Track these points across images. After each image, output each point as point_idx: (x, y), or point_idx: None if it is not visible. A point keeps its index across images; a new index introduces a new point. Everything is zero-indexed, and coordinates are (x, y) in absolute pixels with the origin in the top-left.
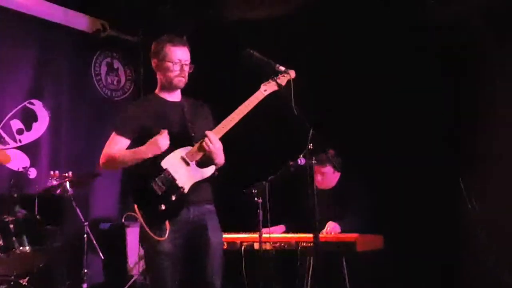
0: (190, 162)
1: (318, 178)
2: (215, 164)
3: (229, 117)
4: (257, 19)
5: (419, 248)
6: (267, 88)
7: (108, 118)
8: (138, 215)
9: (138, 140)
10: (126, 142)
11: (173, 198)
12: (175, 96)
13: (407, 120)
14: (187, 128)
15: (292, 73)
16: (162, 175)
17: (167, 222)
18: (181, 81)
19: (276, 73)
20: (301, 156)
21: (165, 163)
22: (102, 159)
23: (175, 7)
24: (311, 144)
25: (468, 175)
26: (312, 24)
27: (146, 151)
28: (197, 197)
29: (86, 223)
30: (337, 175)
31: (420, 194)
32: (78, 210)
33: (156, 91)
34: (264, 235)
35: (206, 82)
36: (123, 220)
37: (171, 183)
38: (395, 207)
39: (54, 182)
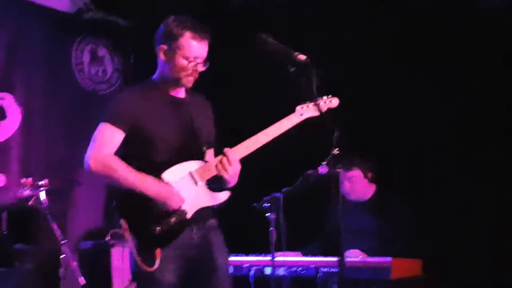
0: (199, 181)
1: (346, 185)
2: (227, 188)
3: (254, 138)
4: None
5: (463, 275)
6: (304, 112)
7: (91, 115)
8: (127, 234)
9: (127, 139)
10: (121, 137)
11: (172, 220)
12: (180, 91)
13: (460, 130)
14: (198, 136)
15: (335, 101)
16: None
17: (158, 250)
18: (191, 81)
19: (294, 63)
20: (324, 163)
21: (167, 176)
22: (93, 162)
23: None
24: (337, 149)
25: None
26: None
27: (154, 192)
28: (199, 216)
29: (63, 241)
30: (371, 185)
31: (467, 214)
32: (54, 226)
33: (154, 78)
34: (277, 258)
35: (208, 72)
36: (107, 238)
37: None
38: (437, 227)
39: (26, 192)
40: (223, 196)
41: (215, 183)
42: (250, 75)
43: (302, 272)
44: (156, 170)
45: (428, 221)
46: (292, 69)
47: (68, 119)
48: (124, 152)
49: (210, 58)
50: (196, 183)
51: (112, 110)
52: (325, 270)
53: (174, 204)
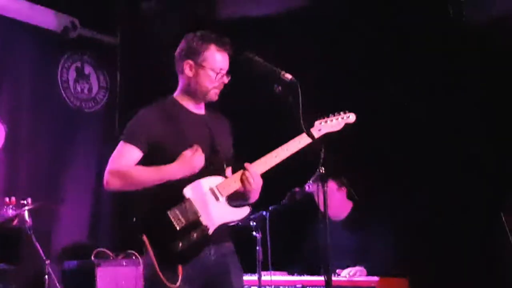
0: (220, 197)
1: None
2: (247, 203)
3: (274, 153)
4: (255, 16)
5: None
6: (322, 128)
7: (77, 133)
8: (149, 250)
9: (146, 157)
10: (138, 154)
11: (194, 236)
12: (200, 108)
13: (439, 147)
14: (218, 152)
15: (352, 117)
16: (183, 205)
17: (180, 267)
18: (217, 94)
19: (280, 82)
20: (310, 181)
21: (188, 191)
22: (110, 177)
23: (160, 3)
24: (323, 168)
25: None
26: (319, 22)
27: (177, 170)
28: (218, 235)
29: (47, 261)
30: (348, 203)
31: (452, 231)
32: (38, 245)
33: (176, 95)
34: (263, 278)
35: None
36: (92, 258)
37: (193, 218)
38: (422, 246)
39: (10, 211)
40: (244, 212)
41: (236, 199)
42: (236, 92)
43: None
44: (177, 186)
45: (407, 239)
46: (278, 88)
47: (53, 137)
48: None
49: None
50: (217, 198)
51: (129, 129)
52: None
53: (199, 161)
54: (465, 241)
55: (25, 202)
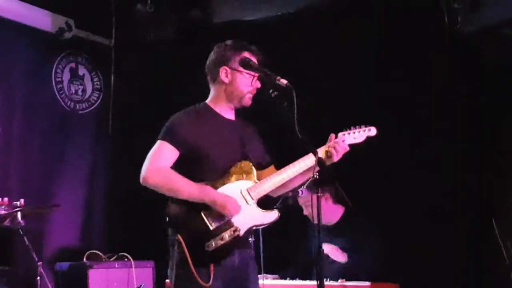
0: (250, 200)
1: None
2: (276, 208)
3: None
4: (250, 20)
5: None
6: (345, 139)
7: (70, 134)
8: (185, 249)
9: (181, 158)
10: (176, 153)
11: (227, 237)
12: (232, 114)
13: (429, 152)
14: (248, 157)
15: (374, 130)
16: (216, 208)
17: (212, 266)
18: (251, 98)
19: (276, 87)
20: (304, 186)
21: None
22: (151, 173)
23: (155, 6)
24: (316, 173)
25: (503, 214)
26: (315, 26)
27: (215, 200)
28: (244, 240)
29: (40, 263)
30: (340, 208)
31: (444, 237)
32: (30, 247)
33: (209, 102)
34: None
35: (191, 92)
36: (85, 260)
37: (225, 220)
38: (413, 251)
39: (2, 212)
40: (273, 216)
41: (266, 204)
42: None
43: None
44: (210, 184)
45: (398, 244)
46: (274, 93)
47: (47, 138)
48: (179, 173)
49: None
50: (247, 202)
51: (169, 130)
52: None
53: (232, 210)
54: (456, 247)
55: (17, 203)
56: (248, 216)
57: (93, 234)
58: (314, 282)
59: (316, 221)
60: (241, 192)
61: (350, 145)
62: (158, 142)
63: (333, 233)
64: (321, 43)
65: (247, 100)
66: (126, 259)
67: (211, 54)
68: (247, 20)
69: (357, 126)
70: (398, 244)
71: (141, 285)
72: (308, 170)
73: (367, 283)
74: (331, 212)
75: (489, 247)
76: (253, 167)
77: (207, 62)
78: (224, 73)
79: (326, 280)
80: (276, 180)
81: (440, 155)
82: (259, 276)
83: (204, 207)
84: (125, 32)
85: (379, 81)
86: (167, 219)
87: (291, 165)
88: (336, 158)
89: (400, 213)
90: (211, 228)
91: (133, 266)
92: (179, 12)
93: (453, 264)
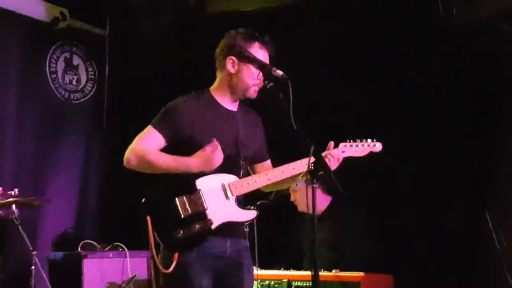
0: (230, 195)
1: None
2: (254, 208)
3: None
4: (247, 11)
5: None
6: (346, 151)
7: (64, 124)
8: (149, 232)
9: (172, 145)
10: (161, 142)
11: (196, 228)
12: (234, 105)
13: (422, 144)
14: (239, 152)
15: (379, 146)
16: (192, 196)
17: (176, 254)
18: (257, 91)
19: (272, 79)
20: (299, 177)
21: (200, 184)
22: (131, 155)
23: None
24: (312, 165)
25: (496, 205)
26: (315, 18)
27: (194, 164)
28: (234, 229)
29: (34, 252)
30: (327, 197)
31: (437, 228)
32: (25, 236)
33: (212, 89)
34: None
35: (187, 83)
36: (79, 249)
37: (199, 209)
38: (406, 243)
39: None
40: (250, 215)
41: (247, 203)
42: None
43: (275, 285)
44: (191, 176)
45: (390, 235)
46: (270, 84)
47: (41, 128)
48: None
49: (185, 68)
50: (227, 196)
51: (161, 116)
52: (297, 284)
53: (218, 159)
54: (449, 238)
55: (12, 193)
56: (224, 210)
57: (88, 224)
58: (308, 272)
59: (307, 209)
60: (222, 185)
61: (350, 158)
62: (148, 127)
63: (325, 223)
64: (318, 33)
65: (252, 93)
66: (120, 249)
67: (222, 41)
68: (243, 11)
69: (362, 139)
70: (391, 234)
71: (135, 275)
72: (297, 175)
73: (361, 274)
74: (320, 202)
75: (482, 236)
76: (240, 163)
77: (217, 48)
78: (230, 63)
79: (320, 271)
80: (261, 181)
81: (433, 145)
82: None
83: (181, 193)
84: (120, 22)
85: (370, 72)
86: (143, 200)
87: (279, 168)
88: (332, 168)
89: (393, 204)
90: (182, 216)
91: (128, 256)
92: (174, 2)
93: (446, 253)
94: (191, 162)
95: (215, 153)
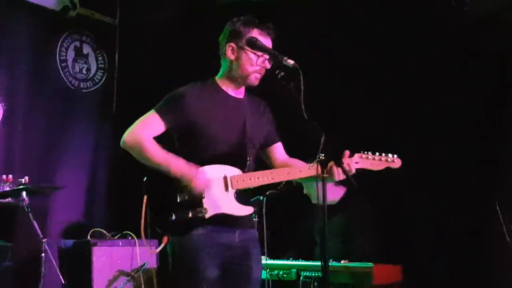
0: (230, 188)
1: (307, 190)
2: (251, 204)
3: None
4: (256, 1)
5: (444, 281)
6: (360, 162)
7: (74, 113)
8: (143, 209)
9: (178, 132)
10: (161, 127)
11: (190, 214)
12: (240, 92)
13: (433, 136)
14: (245, 141)
15: (398, 163)
16: None
17: (165, 237)
18: (258, 78)
19: (282, 67)
20: (309, 167)
21: (203, 171)
22: (129, 138)
23: None
24: (322, 154)
25: (507, 197)
26: (320, 8)
27: (180, 170)
28: (242, 219)
29: (44, 240)
30: (341, 188)
31: (447, 219)
32: (35, 223)
33: (217, 78)
34: None
35: (195, 72)
36: (89, 237)
37: (196, 197)
38: (416, 234)
39: (7, 189)
40: (246, 210)
41: (245, 198)
42: None
43: (284, 276)
44: (196, 163)
45: (399, 226)
46: (281, 74)
47: (51, 116)
48: (175, 147)
49: (194, 57)
50: (226, 188)
51: (164, 102)
52: (306, 274)
53: (197, 186)
54: (459, 231)
55: (22, 180)
56: (221, 202)
57: (97, 212)
58: (317, 263)
59: (317, 201)
60: (224, 177)
61: (363, 170)
62: (151, 111)
63: (335, 214)
64: (327, 24)
65: (253, 80)
66: (130, 237)
67: (224, 29)
68: (251, 0)
69: (382, 154)
70: (401, 226)
71: (144, 264)
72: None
73: (370, 265)
74: (333, 192)
75: (493, 230)
76: (246, 157)
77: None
78: (230, 50)
79: (329, 261)
80: (263, 179)
81: (443, 137)
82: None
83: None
84: (130, 11)
85: (382, 63)
86: (144, 179)
87: (285, 169)
88: (337, 178)
89: (403, 195)
90: (178, 199)
91: (137, 244)
92: None
93: (456, 245)
94: (178, 166)
95: (201, 179)
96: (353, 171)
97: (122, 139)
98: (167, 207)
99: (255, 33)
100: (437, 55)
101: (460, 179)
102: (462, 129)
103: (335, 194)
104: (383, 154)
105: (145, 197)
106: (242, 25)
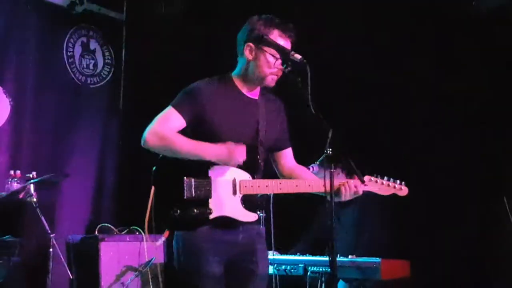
0: (238, 192)
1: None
2: (257, 210)
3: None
4: None
5: (452, 276)
6: (369, 184)
7: (81, 109)
8: (150, 201)
9: (190, 129)
10: (182, 124)
11: (194, 212)
12: (255, 91)
13: (440, 129)
14: (257, 144)
15: (405, 191)
16: (202, 181)
17: (167, 232)
18: (274, 80)
19: (290, 62)
20: (317, 162)
21: (212, 173)
22: (151, 135)
23: None
24: (330, 149)
25: None
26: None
27: (214, 154)
28: (245, 224)
29: (52, 235)
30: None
31: (455, 215)
32: (43, 219)
33: (234, 75)
34: None
35: (203, 67)
36: (96, 232)
37: (203, 196)
38: (423, 229)
39: (15, 184)
40: (251, 217)
41: (252, 204)
42: None
43: (292, 271)
44: (208, 162)
45: (407, 221)
46: (288, 68)
47: (58, 112)
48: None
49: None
50: (234, 192)
51: (182, 97)
52: (314, 269)
53: (239, 158)
54: (467, 225)
55: (30, 175)
56: (227, 205)
57: (105, 208)
58: (324, 258)
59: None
60: (233, 180)
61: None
62: (168, 107)
63: (343, 209)
64: (342, 20)
65: (270, 81)
66: (137, 233)
67: (243, 26)
68: None
69: (391, 179)
70: (409, 221)
71: (152, 259)
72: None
73: (378, 260)
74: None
75: (500, 224)
76: (259, 162)
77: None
78: (248, 50)
79: (337, 256)
80: (272, 188)
81: (452, 132)
82: (269, 251)
83: (191, 175)
84: (137, 6)
85: (393, 58)
86: (153, 169)
87: (294, 181)
88: (343, 198)
89: (411, 191)
90: (184, 196)
91: (145, 239)
92: None
93: (464, 240)
94: (211, 150)
95: (238, 150)
96: (360, 193)
97: (143, 138)
98: (172, 201)
99: (274, 34)
100: (444, 50)
101: (469, 174)
102: (472, 124)
103: None
104: (391, 180)
105: (153, 187)
106: (262, 24)
